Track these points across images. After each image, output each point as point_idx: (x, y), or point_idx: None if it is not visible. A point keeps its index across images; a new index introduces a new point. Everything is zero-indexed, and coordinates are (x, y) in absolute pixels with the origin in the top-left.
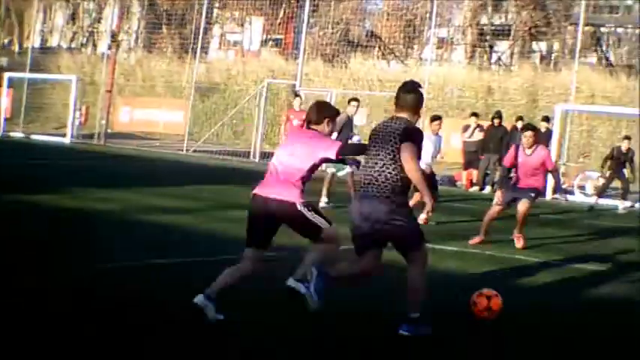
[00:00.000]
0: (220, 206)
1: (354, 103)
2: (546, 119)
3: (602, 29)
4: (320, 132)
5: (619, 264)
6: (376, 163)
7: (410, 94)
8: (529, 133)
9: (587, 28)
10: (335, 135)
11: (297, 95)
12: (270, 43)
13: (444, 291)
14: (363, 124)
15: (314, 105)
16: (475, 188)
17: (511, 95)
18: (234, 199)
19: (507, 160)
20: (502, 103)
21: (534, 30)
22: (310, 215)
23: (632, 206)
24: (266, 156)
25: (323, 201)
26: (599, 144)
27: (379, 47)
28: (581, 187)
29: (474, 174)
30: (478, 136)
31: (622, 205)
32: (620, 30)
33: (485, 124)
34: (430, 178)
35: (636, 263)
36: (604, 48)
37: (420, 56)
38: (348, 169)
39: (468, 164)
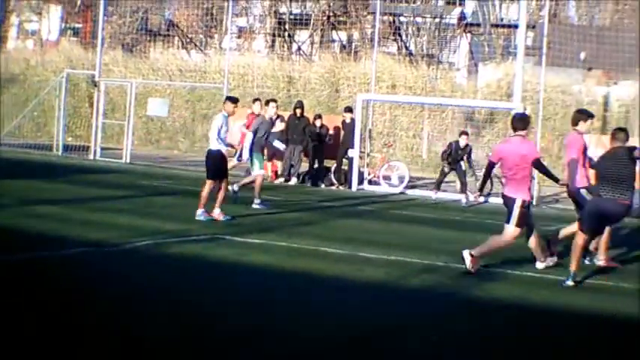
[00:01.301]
0: (24, 202)
1: (273, 104)
2: (349, 110)
3: (402, 18)
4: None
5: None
6: None
7: None
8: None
9: (385, 17)
10: (250, 136)
11: (256, 100)
12: (70, 32)
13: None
14: (165, 115)
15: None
16: (280, 180)
17: (313, 85)
18: (39, 194)
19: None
20: (304, 93)
21: (333, 19)
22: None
23: (475, 201)
24: (69, 149)
25: (256, 203)
26: (402, 133)
27: (179, 37)
28: (387, 178)
29: (279, 165)
30: (279, 126)
31: (464, 199)
32: (419, 20)
33: (287, 114)
34: None
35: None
36: (404, 37)
37: (221, 46)
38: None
39: (272, 156)
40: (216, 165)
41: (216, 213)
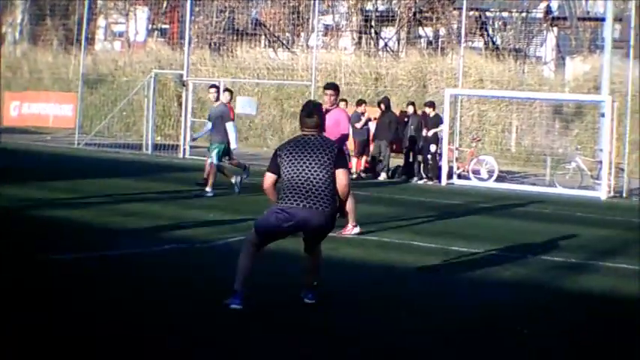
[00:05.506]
0: (114, 200)
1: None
2: (430, 104)
3: (487, 13)
4: None
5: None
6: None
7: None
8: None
9: (471, 12)
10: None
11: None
12: (157, 33)
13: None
14: (254, 113)
15: None
16: (369, 175)
17: (400, 81)
18: (128, 192)
19: None
20: (392, 89)
21: (419, 16)
22: None
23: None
24: (158, 148)
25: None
26: (490, 128)
27: (265, 35)
28: (476, 172)
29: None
30: (370, 125)
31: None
32: (505, 14)
33: (372, 110)
34: None
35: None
36: (490, 32)
37: (307, 44)
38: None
39: (362, 151)
40: None
41: None
